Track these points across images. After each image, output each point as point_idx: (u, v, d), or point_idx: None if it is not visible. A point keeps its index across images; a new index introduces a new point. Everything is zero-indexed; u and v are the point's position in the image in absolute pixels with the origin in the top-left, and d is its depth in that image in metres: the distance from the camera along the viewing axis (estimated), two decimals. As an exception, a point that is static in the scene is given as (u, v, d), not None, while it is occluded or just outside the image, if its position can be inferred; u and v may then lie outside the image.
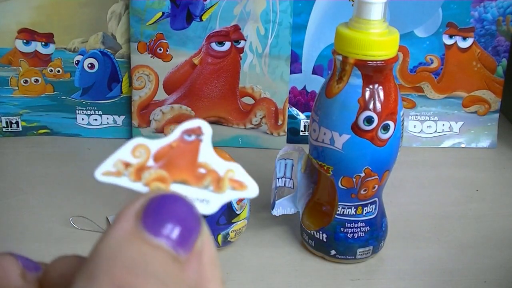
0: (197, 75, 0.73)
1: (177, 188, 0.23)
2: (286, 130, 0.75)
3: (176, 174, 0.23)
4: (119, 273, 0.19)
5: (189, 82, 0.73)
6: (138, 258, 0.19)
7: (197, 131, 0.23)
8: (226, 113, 0.75)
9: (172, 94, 0.74)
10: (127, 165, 0.23)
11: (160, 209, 0.20)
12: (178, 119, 0.74)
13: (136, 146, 0.23)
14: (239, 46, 0.72)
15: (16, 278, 0.22)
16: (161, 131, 0.75)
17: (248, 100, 0.74)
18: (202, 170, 0.23)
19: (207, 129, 0.23)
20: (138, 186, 0.23)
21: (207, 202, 0.23)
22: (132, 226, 0.20)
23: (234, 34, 0.72)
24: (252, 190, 0.24)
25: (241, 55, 0.72)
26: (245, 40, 0.72)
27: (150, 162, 0.23)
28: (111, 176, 0.23)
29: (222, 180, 0.23)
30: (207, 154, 0.23)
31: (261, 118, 0.75)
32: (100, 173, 0.22)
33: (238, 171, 0.23)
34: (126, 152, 0.23)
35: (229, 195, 0.23)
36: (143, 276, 0.19)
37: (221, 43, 0.72)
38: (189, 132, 0.23)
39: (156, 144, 0.23)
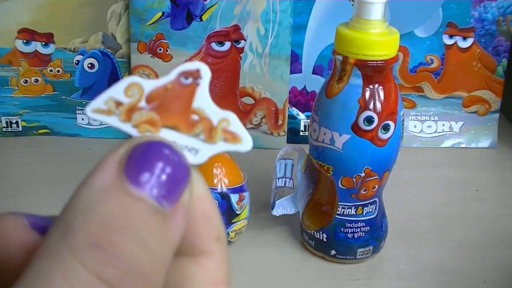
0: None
1: (166, 134, 0.22)
2: (286, 130, 0.75)
3: (167, 118, 0.22)
4: (95, 229, 0.18)
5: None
6: (117, 212, 0.18)
7: (195, 74, 0.22)
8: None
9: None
10: (118, 104, 0.21)
11: (145, 157, 0.19)
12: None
13: (130, 84, 0.22)
14: (239, 46, 0.72)
15: (22, 236, 0.21)
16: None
17: (248, 100, 0.74)
18: (195, 117, 0.22)
19: (206, 73, 0.22)
20: (127, 127, 0.22)
21: (196, 152, 0.22)
22: (113, 176, 0.19)
23: (234, 34, 0.72)
24: (245, 143, 0.22)
25: (241, 55, 0.72)
26: (245, 40, 0.72)
27: (142, 103, 0.22)
28: (102, 114, 0.22)
29: (214, 130, 0.22)
30: (202, 100, 0.22)
31: (261, 118, 0.75)
32: (91, 110, 0.22)
33: (233, 122, 0.22)
34: (119, 90, 0.22)
35: (220, 147, 0.22)
36: (121, 232, 0.18)
37: (221, 43, 0.72)
38: (186, 74, 0.22)
39: (150, 85, 0.22)
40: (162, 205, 0.19)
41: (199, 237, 0.21)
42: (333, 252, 0.55)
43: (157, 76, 0.73)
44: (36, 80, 0.74)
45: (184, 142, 0.22)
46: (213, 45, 0.72)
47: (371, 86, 0.49)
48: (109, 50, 0.74)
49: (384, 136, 0.50)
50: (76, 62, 0.74)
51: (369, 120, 0.49)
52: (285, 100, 0.74)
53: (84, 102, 0.75)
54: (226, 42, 0.72)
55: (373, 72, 0.49)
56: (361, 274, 0.54)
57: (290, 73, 0.74)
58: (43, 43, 0.73)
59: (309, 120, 0.67)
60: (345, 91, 0.49)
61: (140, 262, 0.18)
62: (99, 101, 0.22)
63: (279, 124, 0.75)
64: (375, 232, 0.55)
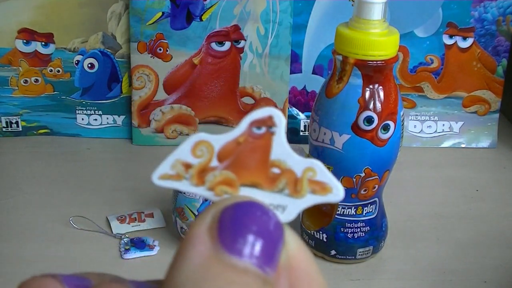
0: (197, 75, 0.73)
1: (247, 193, 0.20)
2: (286, 130, 0.75)
3: (245, 175, 0.20)
4: None
5: (189, 82, 0.73)
6: None
7: (268, 122, 0.20)
8: (226, 113, 0.75)
9: (172, 94, 0.74)
10: (187, 166, 0.20)
11: (237, 222, 0.17)
12: (178, 119, 0.74)
13: (197, 143, 0.20)
14: (239, 46, 0.72)
15: None
16: (161, 131, 0.75)
17: (248, 100, 0.74)
18: (275, 170, 0.20)
19: (280, 119, 0.20)
20: (202, 191, 0.20)
21: (283, 209, 0.20)
22: (209, 248, 0.17)
23: (234, 34, 0.72)
24: (335, 193, 0.20)
25: (241, 55, 0.72)
26: (245, 40, 0.72)
27: (214, 162, 0.20)
28: (170, 180, 0.20)
29: (300, 182, 0.20)
30: (281, 150, 0.20)
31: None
32: (157, 177, 0.20)
33: (319, 170, 0.20)
34: (185, 151, 0.20)
35: (309, 200, 0.20)
36: None
37: (221, 43, 0.72)
38: (258, 123, 0.20)
39: (220, 140, 0.20)
40: (267, 273, 0.17)
41: None
42: (333, 252, 0.55)
43: (156, 76, 0.73)
44: (36, 80, 0.74)
45: (268, 200, 0.20)
46: (213, 45, 0.72)
47: (371, 86, 0.49)
48: (109, 50, 0.74)
49: (384, 136, 0.50)
50: (76, 62, 0.74)
51: (369, 120, 0.49)
52: (285, 100, 0.74)
53: (84, 102, 0.75)
54: (226, 42, 0.72)
55: (373, 72, 0.49)
56: (361, 274, 0.54)
57: (290, 73, 0.74)
58: (43, 43, 0.73)
59: (309, 120, 0.67)
60: (345, 91, 0.49)
61: None
62: (165, 166, 0.20)
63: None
64: (375, 232, 0.55)
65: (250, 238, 0.17)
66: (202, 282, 0.17)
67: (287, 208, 0.20)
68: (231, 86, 0.74)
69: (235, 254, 0.17)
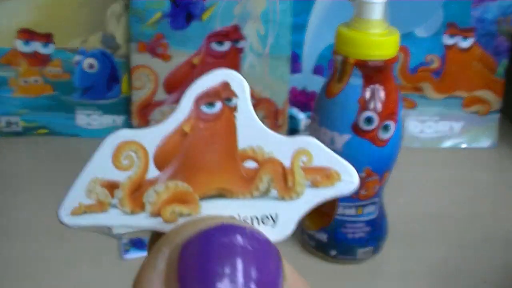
0: (197, 75, 0.73)
1: (213, 208, 0.12)
2: (286, 130, 0.75)
3: (204, 181, 0.13)
4: None
5: (189, 82, 0.73)
6: None
7: (224, 93, 0.14)
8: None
9: (172, 94, 0.74)
10: (112, 186, 0.13)
11: (207, 264, 0.11)
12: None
13: (120, 146, 0.13)
14: (239, 46, 0.72)
15: None
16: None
17: (248, 100, 0.74)
18: (250, 164, 0.13)
19: (240, 85, 0.13)
20: (142, 220, 0.13)
21: (274, 220, 0.13)
22: None
23: (234, 34, 0.72)
24: (348, 179, 0.14)
25: (241, 55, 0.72)
26: (245, 40, 0.72)
27: (152, 172, 0.13)
28: (88, 213, 0.13)
29: (291, 174, 0.13)
30: (252, 132, 0.13)
31: (261, 119, 0.75)
32: (68, 213, 0.13)
33: (316, 151, 0.14)
34: (103, 162, 0.13)
35: (310, 198, 0.13)
36: None
37: (221, 43, 0.72)
38: (208, 98, 0.14)
39: (153, 137, 0.13)
40: None
41: None
42: (333, 252, 0.55)
43: (156, 76, 0.73)
44: (36, 80, 0.74)
45: (248, 212, 0.13)
46: (213, 45, 0.72)
47: (371, 86, 0.49)
48: (109, 50, 0.74)
49: (384, 136, 0.50)
50: (76, 62, 0.74)
51: (369, 120, 0.49)
52: (285, 100, 0.74)
53: (83, 102, 0.75)
54: (226, 42, 0.72)
55: (373, 72, 0.49)
56: (362, 274, 0.54)
57: (290, 73, 0.74)
58: (42, 43, 0.73)
59: (309, 120, 0.67)
60: (345, 91, 0.49)
61: None
62: (76, 194, 0.13)
63: (279, 124, 0.75)
64: (376, 233, 0.54)
65: (232, 284, 0.11)
66: None
67: (279, 217, 0.13)
68: (231, 86, 0.74)
69: None
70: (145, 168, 0.13)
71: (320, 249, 0.55)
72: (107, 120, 0.76)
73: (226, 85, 0.14)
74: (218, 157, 0.13)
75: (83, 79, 0.75)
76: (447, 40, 0.73)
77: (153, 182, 0.13)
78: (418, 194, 0.67)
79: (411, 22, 0.73)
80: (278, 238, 0.13)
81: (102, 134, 0.76)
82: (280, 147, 0.13)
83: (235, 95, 0.13)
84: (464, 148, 0.76)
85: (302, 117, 0.76)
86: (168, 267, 0.11)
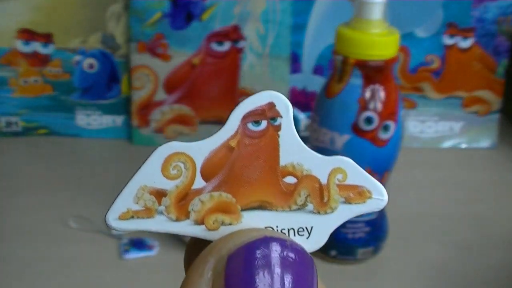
0: (197, 75, 0.73)
1: (253, 220, 0.14)
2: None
3: (247, 194, 0.14)
4: None
5: (189, 82, 0.73)
6: None
7: (269, 112, 0.15)
8: (226, 113, 0.74)
9: (172, 94, 0.74)
10: (159, 194, 0.14)
11: (251, 274, 0.12)
12: (178, 119, 0.74)
13: (169, 157, 0.14)
14: (239, 46, 0.72)
15: None
16: (161, 132, 0.74)
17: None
18: (290, 179, 0.15)
19: (285, 106, 0.15)
20: (186, 227, 0.14)
21: (309, 232, 0.15)
22: None
23: (234, 34, 0.72)
24: (378, 197, 0.15)
25: (241, 55, 0.72)
26: (245, 40, 0.72)
27: (199, 182, 0.14)
28: (136, 219, 0.14)
29: (327, 190, 0.15)
30: (293, 150, 0.15)
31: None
32: (116, 217, 0.14)
33: (350, 170, 0.15)
34: (153, 171, 0.14)
35: (343, 213, 0.15)
36: None
37: (221, 43, 0.72)
38: (255, 116, 0.15)
39: (202, 149, 0.14)
40: None
41: None
42: (333, 252, 0.55)
43: (156, 76, 0.73)
44: (36, 80, 0.74)
45: (285, 224, 0.14)
46: (213, 45, 0.72)
47: (371, 86, 0.49)
48: (108, 50, 0.74)
49: (384, 136, 0.50)
50: (76, 62, 0.74)
51: (369, 120, 0.49)
52: (285, 100, 0.74)
53: (83, 102, 0.75)
54: (226, 42, 0.72)
55: (373, 72, 0.49)
56: (362, 274, 0.54)
57: (290, 73, 0.74)
58: (42, 43, 0.73)
59: (309, 120, 0.67)
60: (345, 91, 0.49)
61: None
62: (125, 199, 0.14)
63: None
64: (376, 233, 0.54)
65: None
66: None
67: (314, 229, 0.15)
68: (231, 86, 0.74)
69: None
70: (192, 179, 0.14)
71: (320, 249, 0.55)
72: (107, 120, 0.76)
73: (271, 105, 0.15)
74: (261, 172, 0.15)
75: (83, 79, 0.75)
76: (447, 40, 0.73)
77: (198, 192, 0.14)
78: (418, 194, 0.67)
79: (411, 22, 0.73)
80: (311, 248, 0.15)
81: (102, 134, 0.76)
82: (318, 165, 0.15)
83: (279, 115, 0.15)
84: (464, 148, 0.76)
85: (302, 117, 0.76)
86: (215, 276, 0.12)
